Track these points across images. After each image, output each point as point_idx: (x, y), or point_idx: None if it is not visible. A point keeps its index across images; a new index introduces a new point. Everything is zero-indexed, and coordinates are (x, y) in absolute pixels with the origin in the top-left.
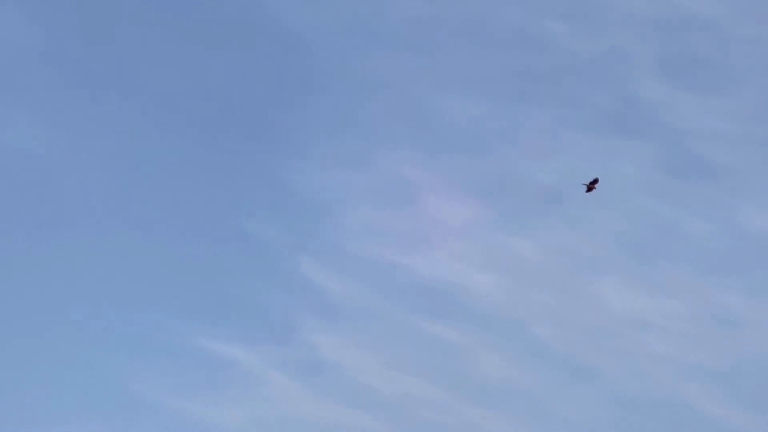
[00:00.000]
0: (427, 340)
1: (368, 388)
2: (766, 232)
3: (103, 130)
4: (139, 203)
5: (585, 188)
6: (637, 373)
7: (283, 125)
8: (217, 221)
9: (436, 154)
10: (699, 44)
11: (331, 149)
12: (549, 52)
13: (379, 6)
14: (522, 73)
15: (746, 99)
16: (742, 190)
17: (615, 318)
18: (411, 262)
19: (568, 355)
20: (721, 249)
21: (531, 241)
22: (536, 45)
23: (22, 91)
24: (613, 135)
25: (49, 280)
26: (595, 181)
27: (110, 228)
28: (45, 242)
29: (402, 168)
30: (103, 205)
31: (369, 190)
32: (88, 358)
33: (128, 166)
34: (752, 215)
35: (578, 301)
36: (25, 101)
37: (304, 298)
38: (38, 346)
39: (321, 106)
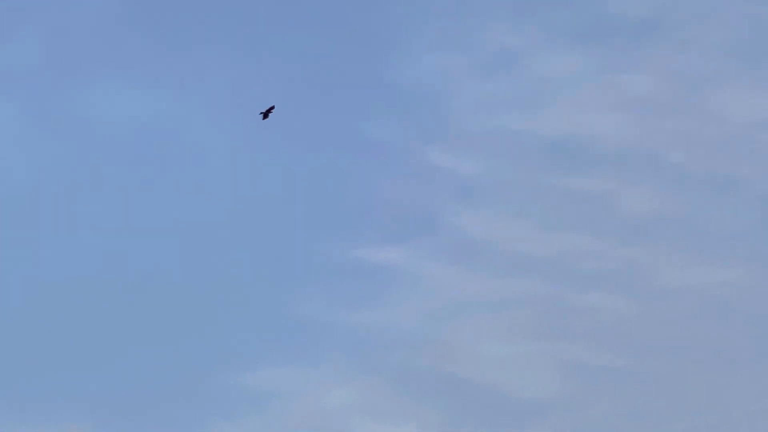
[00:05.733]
0: (567, 195)
1: (522, 255)
2: None
3: (207, 80)
4: (263, 137)
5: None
6: None
7: (370, 24)
8: (335, 131)
9: (526, 14)
10: None
11: (425, 34)
12: None
13: None
14: None
15: None
16: None
17: (739, 125)
18: (531, 124)
19: (706, 172)
20: None
21: (641, 73)
22: None
23: (119, 63)
24: None
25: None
26: (270, 109)
27: (242, 161)
28: (192, 177)
29: (499, 37)
30: (233, 143)
31: (471, 65)
32: (257, 292)
33: (243, 105)
34: None
35: (702, 118)
36: (123, 72)
37: (438, 185)
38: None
39: None
